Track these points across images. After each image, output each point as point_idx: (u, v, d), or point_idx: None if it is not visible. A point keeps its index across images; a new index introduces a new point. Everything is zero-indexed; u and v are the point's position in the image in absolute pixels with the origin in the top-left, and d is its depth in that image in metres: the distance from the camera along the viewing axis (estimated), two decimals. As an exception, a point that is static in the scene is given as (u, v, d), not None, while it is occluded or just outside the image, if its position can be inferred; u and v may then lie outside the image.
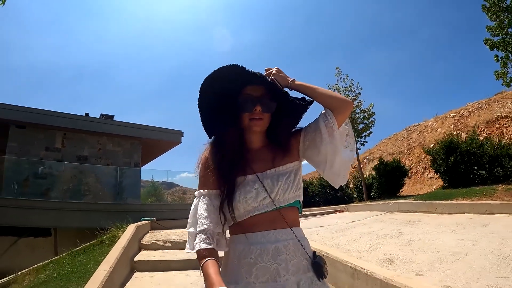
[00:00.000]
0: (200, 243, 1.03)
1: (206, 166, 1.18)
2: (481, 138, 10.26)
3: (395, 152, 19.48)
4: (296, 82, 1.22)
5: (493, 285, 2.82)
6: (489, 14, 8.12)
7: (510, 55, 7.58)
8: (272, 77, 1.20)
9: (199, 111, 1.20)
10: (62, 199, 9.80)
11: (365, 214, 8.77)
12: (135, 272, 3.69)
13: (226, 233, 1.15)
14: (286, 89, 1.20)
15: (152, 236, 5.01)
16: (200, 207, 1.12)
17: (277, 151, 1.21)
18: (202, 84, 1.15)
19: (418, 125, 19.41)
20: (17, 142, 11.17)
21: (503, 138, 10.84)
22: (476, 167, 8.82)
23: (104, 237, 6.11)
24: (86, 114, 12.85)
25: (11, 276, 5.84)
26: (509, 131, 12.19)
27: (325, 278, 1.13)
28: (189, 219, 1.15)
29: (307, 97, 1.23)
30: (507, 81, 7.48)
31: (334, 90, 10.92)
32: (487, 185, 8.42)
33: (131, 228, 4.90)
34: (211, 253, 1.02)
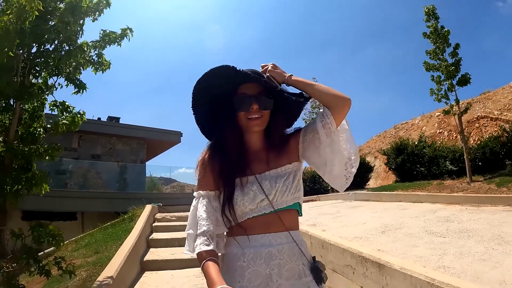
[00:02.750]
0: (201, 245, 1.02)
1: (204, 167, 1.16)
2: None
3: (382, 149, 20.39)
4: (293, 78, 1.16)
5: (364, 236, 4.92)
6: (430, 40, 10.11)
7: (441, 76, 9.58)
8: (268, 74, 1.17)
9: (194, 114, 1.19)
10: (86, 189, 11.95)
11: (329, 202, 10.83)
12: (154, 233, 5.73)
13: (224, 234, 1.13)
14: (284, 85, 1.18)
15: (161, 215, 7.06)
16: (200, 208, 1.11)
17: (276, 151, 1.18)
18: (194, 86, 1.13)
19: (406, 123, 19.34)
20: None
21: (482, 137, 11.61)
22: (418, 166, 10.96)
23: (125, 216, 8.17)
24: (99, 119, 14.90)
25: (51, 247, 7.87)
26: (487, 130, 12.41)
27: (324, 283, 1.11)
28: (188, 220, 1.14)
29: (305, 93, 1.18)
30: (439, 97, 9.48)
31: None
32: (427, 180, 10.56)
33: (148, 207, 6.99)
34: (211, 254, 1.00)
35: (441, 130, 14.53)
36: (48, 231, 2.83)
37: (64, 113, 3.98)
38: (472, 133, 13.27)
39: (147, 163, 16.62)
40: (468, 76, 9.26)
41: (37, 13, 2.41)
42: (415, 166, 10.98)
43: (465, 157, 8.87)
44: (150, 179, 21.10)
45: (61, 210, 7.88)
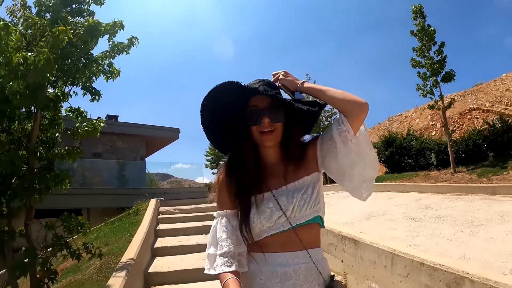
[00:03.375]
0: (222, 266, 1.03)
1: (221, 187, 1.15)
2: (454, 128, 12.01)
3: (373, 142, 20.57)
4: (306, 84, 1.13)
5: (349, 222, 5.47)
6: (417, 38, 10.62)
7: (427, 73, 10.13)
8: (279, 83, 1.15)
9: (204, 130, 1.17)
10: (90, 186, 12.43)
11: (324, 193, 11.43)
12: (160, 224, 6.23)
13: (245, 252, 1.11)
14: (297, 92, 1.14)
15: (164, 208, 7.56)
16: (219, 228, 1.10)
17: (293, 163, 1.14)
18: (202, 103, 1.11)
19: (399, 115, 19.23)
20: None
21: (474, 128, 11.61)
22: (406, 158, 11.55)
23: (130, 211, 8.67)
24: (98, 118, 15.28)
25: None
26: (479, 122, 12.35)
27: None
28: (208, 239, 1.14)
29: (318, 100, 1.14)
30: (424, 93, 10.04)
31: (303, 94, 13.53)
32: (414, 171, 11.16)
33: (153, 201, 7.49)
34: (231, 273, 1.01)
35: (433, 122, 14.77)
36: (76, 221, 3.33)
37: (78, 118, 4.47)
38: (464, 124, 13.49)
39: (147, 159, 17.09)
40: (453, 72, 9.84)
41: (67, 40, 2.88)
42: (403, 158, 11.57)
43: (449, 149, 9.46)
44: (147, 175, 21.54)
45: (67, 207, 8.27)
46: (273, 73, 1.21)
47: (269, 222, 1.07)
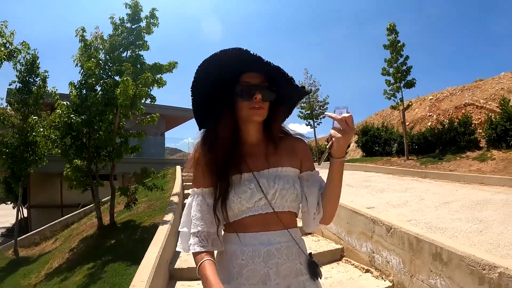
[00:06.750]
0: (195, 246, 1.04)
1: (199, 162, 1.11)
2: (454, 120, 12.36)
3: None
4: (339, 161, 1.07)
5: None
6: (389, 51, 13.12)
7: (391, 80, 12.74)
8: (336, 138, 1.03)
9: (191, 96, 1.11)
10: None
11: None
12: (184, 183, 9.17)
13: (221, 231, 1.11)
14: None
15: (184, 173, 10.52)
16: (194, 207, 1.09)
17: (274, 147, 1.14)
18: (198, 67, 1.06)
19: (400, 104, 18.75)
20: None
21: (466, 122, 11.91)
22: (376, 145, 14.33)
23: (158, 175, 11.67)
24: (156, 114, 18.38)
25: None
26: (472, 117, 12.69)
27: (320, 279, 1.11)
28: (182, 217, 1.13)
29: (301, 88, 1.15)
30: (389, 96, 12.71)
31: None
32: (381, 156, 13.95)
33: (179, 168, 10.49)
34: (207, 253, 1.02)
35: (431, 114, 15.32)
36: (150, 170, 6.30)
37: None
38: (456, 118, 13.83)
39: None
40: (414, 81, 12.45)
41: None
42: (374, 145, 14.35)
43: (404, 142, 12.23)
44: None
45: (107, 173, 11.03)
46: (339, 116, 1.01)
47: (249, 203, 1.05)
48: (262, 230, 1.07)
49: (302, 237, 1.18)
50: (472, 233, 4.01)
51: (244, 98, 1.07)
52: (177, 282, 3.27)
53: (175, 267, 3.42)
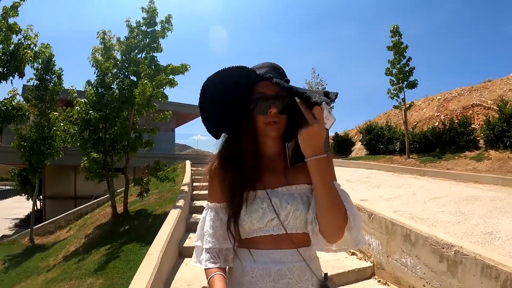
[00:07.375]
0: (207, 262, 1.03)
1: (213, 177, 1.08)
2: (457, 120, 12.51)
3: (359, 127, 20.55)
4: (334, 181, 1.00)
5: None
6: (392, 52, 13.44)
7: (394, 80, 13.07)
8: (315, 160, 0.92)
9: (200, 113, 1.06)
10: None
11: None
12: (194, 177, 9.70)
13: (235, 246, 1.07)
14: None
15: (194, 168, 11.06)
16: (207, 222, 1.07)
17: None
18: (205, 82, 0.99)
19: (411, 103, 17.25)
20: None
21: (473, 123, 12.40)
22: (380, 144, 14.69)
23: (169, 168, 12.25)
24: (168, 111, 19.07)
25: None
26: (479, 118, 12.92)
27: None
28: (197, 230, 1.13)
29: (330, 93, 0.97)
30: (392, 96, 13.04)
31: (307, 86, 16.43)
32: (384, 155, 14.31)
33: (188, 162, 11.03)
34: (218, 268, 1.02)
35: (438, 114, 15.26)
36: (162, 163, 6.83)
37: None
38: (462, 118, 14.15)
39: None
40: (416, 82, 12.75)
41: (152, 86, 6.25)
42: (378, 144, 14.71)
43: (406, 141, 12.57)
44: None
45: (119, 166, 11.58)
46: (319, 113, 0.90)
47: (259, 223, 1.00)
48: (273, 247, 1.01)
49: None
50: (450, 223, 4.44)
51: (258, 112, 1.00)
52: (185, 258, 3.78)
53: (184, 245, 3.94)
